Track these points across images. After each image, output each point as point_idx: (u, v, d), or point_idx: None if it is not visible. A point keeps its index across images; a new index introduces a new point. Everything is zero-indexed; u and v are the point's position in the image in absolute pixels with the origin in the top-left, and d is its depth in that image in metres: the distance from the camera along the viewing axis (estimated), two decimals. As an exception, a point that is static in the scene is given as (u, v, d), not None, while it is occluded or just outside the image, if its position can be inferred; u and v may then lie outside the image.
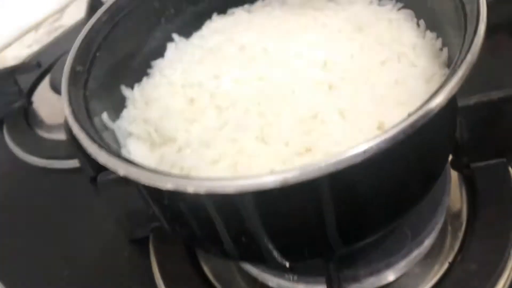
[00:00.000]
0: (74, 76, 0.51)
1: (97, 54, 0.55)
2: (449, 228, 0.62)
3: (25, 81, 1.03)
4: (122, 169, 0.40)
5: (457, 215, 0.63)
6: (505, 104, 0.59)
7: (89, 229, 0.77)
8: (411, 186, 0.47)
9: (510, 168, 0.64)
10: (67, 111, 0.46)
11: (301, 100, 0.54)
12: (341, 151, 0.36)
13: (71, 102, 0.47)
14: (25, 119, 0.99)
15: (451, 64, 0.53)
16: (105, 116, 0.53)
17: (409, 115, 0.38)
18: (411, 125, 0.36)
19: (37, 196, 0.87)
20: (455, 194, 0.65)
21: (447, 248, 0.60)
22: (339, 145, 0.49)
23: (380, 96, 0.52)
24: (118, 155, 0.42)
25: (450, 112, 0.50)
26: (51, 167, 0.90)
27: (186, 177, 0.38)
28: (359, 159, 0.36)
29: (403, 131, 0.36)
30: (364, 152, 0.36)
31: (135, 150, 0.55)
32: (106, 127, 0.54)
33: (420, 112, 0.37)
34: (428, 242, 0.57)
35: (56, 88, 0.95)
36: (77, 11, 1.30)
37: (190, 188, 0.37)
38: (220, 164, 0.50)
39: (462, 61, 0.38)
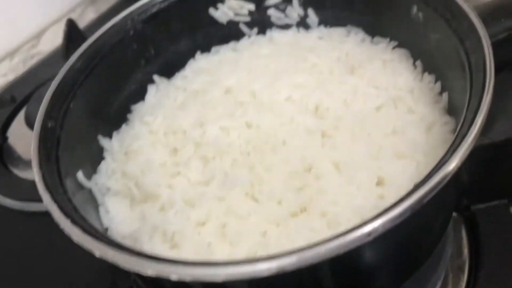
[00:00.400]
0: (45, 134, 0.47)
1: (71, 105, 0.51)
2: (451, 277, 0.59)
3: (-2, 116, 0.98)
4: (97, 250, 0.36)
5: (459, 262, 0.59)
6: (506, 146, 0.56)
7: (69, 279, 0.72)
8: (415, 253, 0.44)
9: (511, 209, 0.61)
10: (37, 178, 0.42)
11: (293, 151, 0.50)
12: (343, 233, 0.32)
13: (41, 167, 0.43)
14: (0, 156, 0.93)
15: (452, 111, 0.50)
16: (80, 175, 0.49)
17: (416, 186, 0.34)
18: (418, 201, 0.33)
19: (13, 241, 0.82)
20: (456, 239, 0.62)
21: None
22: (336, 204, 0.45)
23: (377, 146, 0.49)
24: (92, 231, 0.38)
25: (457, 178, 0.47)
26: (28, 210, 0.84)
27: (170, 262, 0.34)
28: (362, 242, 0.32)
29: (411, 208, 0.33)
30: (369, 234, 0.32)
31: (114, 208, 0.51)
32: (81, 186, 0.50)
33: (427, 187, 0.33)
34: (430, 298, 0.53)
35: (31, 125, 0.90)
36: (54, 36, 1.25)
37: (174, 276, 0.33)
38: (206, 227, 0.46)
39: (470, 127, 0.35)
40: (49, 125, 0.48)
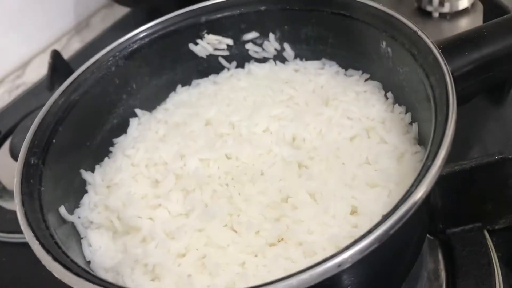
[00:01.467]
0: (28, 170, 0.48)
1: (54, 141, 0.52)
2: (429, 301, 0.60)
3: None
4: (78, 286, 0.37)
5: (436, 285, 0.61)
6: (476, 172, 0.58)
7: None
8: (389, 278, 0.45)
9: (485, 232, 0.63)
10: (19, 215, 0.43)
11: (271, 182, 0.52)
12: (314, 265, 0.34)
13: (24, 204, 0.44)
14: (-15, 187, 0.93)
15: (421, 140, 0.52)
16: (62, 210, 0.50)
17: (383, 217, 0.36)
18: (385, 233, 0.34)
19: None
20: (433, 261, 0.63)
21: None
22: (312, 233, 0.46)
23: (351, 176, 0.50)
24: (73, 267, 0.39)
25: (425, 206, 0.49)
26: (13, 241, 0.84)
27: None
28: (333, 273, 0.34)
29: (378, 239, 0.34)
30: (339, 265, 0.33)
31: (96, 241, 0.52)
32: (64, 220, 0.51)
33: (393, 219, 0.35)
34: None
35: (16, 156, 0.91)
36: (40, 67, 1.26)
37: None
38: (186, 258, 0.47)
39: (434, 159, 0.37)
40: (32, 161, 0.49)
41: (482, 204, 0.62)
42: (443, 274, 0.62)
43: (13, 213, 0.91)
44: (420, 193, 0.36)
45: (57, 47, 1.30)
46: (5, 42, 1.23)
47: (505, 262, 0.61)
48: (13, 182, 0.97)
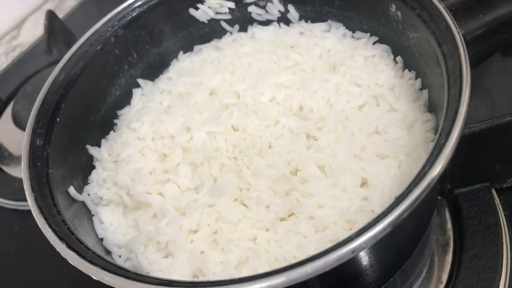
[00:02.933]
0: (34, 153, 0.47)
1: (57, 119, 0.51)
2: (436, 260, 0.61)
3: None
4: (94, 275, 0.37)
5: (444, 245, 0.62)
6: (486, 135, 0.58)
7: (63, 275, 0.73)
8: (402, 252, 0.45)
9: (493, 191, 0.63)
10: (30, 201, 0.43)
11: (279, 154, 0.51)
12: (328, 250, 0.34)
13: (33, 190, 0.44)
14: (-11, 155, 0.94)
15: (432, 107, 0.51)
16: (72, 190, 0.50)
17: (396, 199, 0.36)
18: (398, 217, 0.34)
19: (6, 239, 0.83)
20: (441, 222, 0.64)
21: (435, 282, 0.59)
22: (322, 207, 0.46)
23: (361, 147, 0.50)
24: (87, 254, 0.39)
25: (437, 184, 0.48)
26: (21, 208, 0.85)
27: (165, 283, 0.36)
28: (347, 259, 0.34)
29: (391, 224, 0.34)
30: (353, 251, 0.34)
31: (107, 217, 0.52)
32: (74, 200, 0.51)
33: (403, 205, 0.34)
34: (416, 285, 0.56)
35: (19, 123, 0.90)
36: (35, 25, 1.23)
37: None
38: (198, 235, 0.48)
39: (441, 149, 0.36)
40: (38, 142, 0.49)
41: (490, 165, 0.62)
42: (451, 234, 0.63)
43: (21, 180, 0.92)
44: (432, 175, 0.36)
45: (51, 4, 1.27)
46: (-3, 3, 1.20)
47: (512, 221, 0.61)
48: (19, 148, 0.98)
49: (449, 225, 0.63)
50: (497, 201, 0.63)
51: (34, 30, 1.20)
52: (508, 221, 0.62)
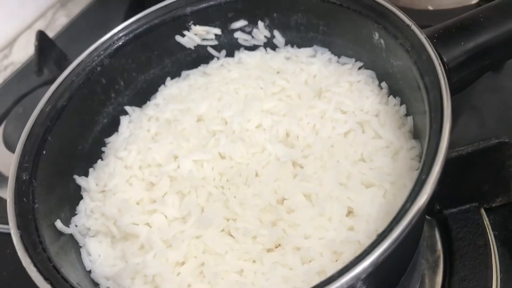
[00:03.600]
0: (19, 188, 0.47)
1: (44, 151, 0.52)
2: (427, 282, 0.61)
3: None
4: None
5: (434, 266, 0.62)
6: (474, 157, 0.58)
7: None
8: (387, 283, 0.45)
9: (482, 211, 0.63)
10: (15, 240, 0.43)
11: (266, 183, 0.51)
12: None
13: (19, 227, 0.44)
14: (-21, 176, 0.93)
15: (417, 134, 0.51)
16: (59, 224, 0.50)
17: (378, 237, 0.36)
18: (379, 256, 0.34)
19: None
20: (431, 243, 0.64)
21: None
22: (308, 238, 0.47)
23: (346, 175, 0.50)
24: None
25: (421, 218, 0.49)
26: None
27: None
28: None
29: (373, 264, 0.34)
30: (334, 292, 0.34)
31: (95, 249, 0.52)
32: (61, 233, 0.51)
33: (384, 245, 0.34)
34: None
35: (9, 146, 0.90)
36: (27, 44, 1.23)
37: None
38: (185, 267, 0.48)
39: (422, 185, 0.36)
40: (23, 177, 0.49)
41: (479, 185, 0.62)
42: (440, 254, 0.63)
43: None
44: (413, 211, 0.36)
45: (42, 22, 1.26)
46: (-11, 22, 1.20)
47: (501, 241, 0.61)
48: (9, 169, 0.97)
49: (439, 245, 0.63)
50: (486, 221, 0.63)
51: (26, 49, 1.20)
52: (498, 241, 0.62)
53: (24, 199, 0.47)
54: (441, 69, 0.43)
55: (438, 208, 0.63)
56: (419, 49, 0.46)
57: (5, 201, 0.88)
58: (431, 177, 0.37)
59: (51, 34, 1.11)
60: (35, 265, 0.41)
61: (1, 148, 0.97)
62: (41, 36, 1.02)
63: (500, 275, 0.59)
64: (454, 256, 0.60)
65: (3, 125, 0.97)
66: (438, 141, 0.38)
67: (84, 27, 1.21)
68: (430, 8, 0.82)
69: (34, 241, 0.44)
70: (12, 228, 0.44)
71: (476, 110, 0.69)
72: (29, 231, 0.44)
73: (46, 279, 0.40)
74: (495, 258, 0.60)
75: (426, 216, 0.64)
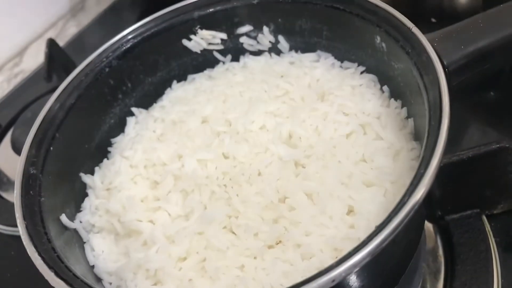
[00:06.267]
0: (27, 182, 0.48)
1: (51, 148, 0.53)
2: (428, 287, 0.61)
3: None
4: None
5: (435, 272, 0.62)
6: (475, 162, 0.58)
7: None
8: (388, 277, 0.46)
9: (484, 217, 0.64)
10: (21, 230, 0.44)
11: (268, 182, 0.52)
12: (308, 279, 0.35)
13: (25, 218, 0.45)
14: (-11, 181, 0.95)
15: (418, 136, 0.52)
16: (64, 218, 0.51)
17: (376, 228, 0.37)
18: (378, 246, 0.35)
19: (4, 265, 0.83)
20: (432, 249, 0.64)
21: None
22: (309, 235, 0.47)
23: (348, 174, 0.51)
24: (77, 283, 0.40)
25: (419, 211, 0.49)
26: (19, 234, 0.86)
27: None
28: (328, 287, 0.34)
29: (371, 253, 0.35)
30: (333, 280, 0.34)
31: (99, 244, 0.53)
32: (66, 228, 0.51)
33: (382, 235, 0.35)
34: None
35: (17, 150, 0.92)
36: (37, 52, 1.25)
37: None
38: (187, 262, 0.48)
39: (420, 179, 0.37)
40: (31, 171, 0.50)
41: (480, 191, 0.62)
42: (442, 260, 0.63)
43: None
44: (411, 204, 0.37)
45: (53, 32, 1.29)
46: (1, 30, 1.22)
47: (503, 248, 0.61)
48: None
49: (440, 251, 0.63)
50: (488, 227, 0.63)
51: (36, 57, 1.22)
52: (499, 248, 0.62)
53: (31, 192, 0.48)
54: (440, 68, 0.43)
55: (440, 214, 0.63)
56: (419, 50, 0.47)
57: (9, 203, 0.91)
58: (429, 171, 0.37)
59: (61, 43, 1.13)
60: (39, 254, 0.41)
61: (9, 152, 0.98)
62: (51, 43, 1.04)
63: (502, 280, 0.59)
64: (455, 261, 0.60)
65: (11, 130, 0.99)
66: (437, 136, 0.39)
67: (93, 37, 1.23)
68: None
69: (39, 231, 0.45)
70: (18, 218, 0.45)
71: (477, 114, 0.70)
72: (34, 222, 0.45)
73: (50, 267, 0.41)
74: (496, 263, 0.60)
75: (427, 222, 0.65)
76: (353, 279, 0.40)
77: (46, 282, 0.81)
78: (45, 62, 1.00)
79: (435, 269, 0.62)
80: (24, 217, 0.45)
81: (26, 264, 0.81)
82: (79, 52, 1.14)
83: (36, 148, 0.52)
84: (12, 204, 0.90)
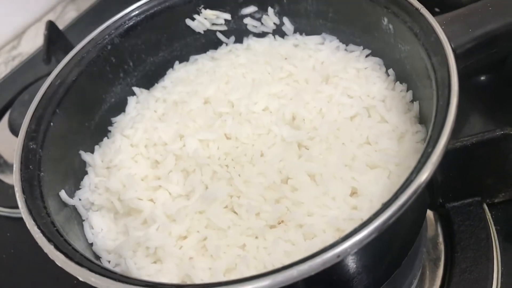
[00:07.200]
0: (26, 156, 0.48)
1: (52, 123, 0.52)
2: (428, 274, 0.61)
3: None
4: (80, 276, 0.37)
5: (435, 259, 0.62)
6: (477, 148, 0.58)
7: (57, 282, 0.73)
8: (390, 259, 0.45)
9: (485, 206, 0.63)
10: (20, 203, 0.43)
11: (270, 163, 0.51)
12: (313, 255, 0.34)
13: (24, 191, 0.44)
14: (-15, 161, 0.94)
15: (423, 119, 0.52)
16: (63, 194, 0.50)
17: (383, 205, 0.36)
18: (384, 222, 0.34)
19: (1, 246, 0.82)
20: (432, 236, 0.64)
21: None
22: (311, 215, 0.47)
23: (351, 157, 0.50)
24: (75, 256, 0.39)
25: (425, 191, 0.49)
26: (15, 215, 0.85)
27: (150, 285, 0.36)
28: (332, 263, 0.34)
29: (377, 229, 0.34)
30: (338, 256, 0.34)
31: (98, 223, 0.52)
32: (65, 204, 0.51)
33: (390, 211, 0.34)
34: (406, 297, 0.56)
35: (15, 131, 0.91)
36: (35, 36, 1.24)
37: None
38: (187, 241, 0.48)
39: (428, 157, 0.36)
40: (31, 146, 0.49)
41: (482, 179, 0.62)
42: (442, 248, 0.62)
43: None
44: (419, 181, 0.36)
45: (52, 16, 1.28)
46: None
47: (503, 236, 0.61)
48: (14, 155, 0.98)
49: (440, 239, 0.63)
50: (489, 216, 0.63)
51: (34, 41, 1.21)
52: (499, 236, 0.62)
53: (31, 166, 0.47)
54: (449, 48, 0.43)
55: (441, 201, 0.63)
56: (428, 31, 0.46)
57: (6, 185, 0.90)
58: (437, 149, 0.37)
59: (60, 27, 1.12)
60: (39, 227, 0.41)
61: (6, 134, 0.97)
62: (51, 26, 1.03)
63: (502, 268, 0.59)
64: (456, 248, 0.60)
65: (9, 111, 0.98)
66: (445, 115, 0.38)
67: (93, 21, 1.22)
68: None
69: (39, 205, 0.44)
70: (17, 192, 0.44)
71: (480, 102, 0.69)
72: (33, 196, 0.44)
73: (49, 240, 0.40)
74: (496, 251, 0.60)
75: (428, 210, 0.64)
76: (357, 258, 0.39)
77: (42, 263, 0.81)
78: (44, 44, 0.99)
79: (435, 256, 0.61)
80: (24, 191, 0.44)
81: (22, 245, 0.81)
82: (79, 36, 1.13)
83: (36, 123, 0.51)
84: (9, 186, 0.90)
